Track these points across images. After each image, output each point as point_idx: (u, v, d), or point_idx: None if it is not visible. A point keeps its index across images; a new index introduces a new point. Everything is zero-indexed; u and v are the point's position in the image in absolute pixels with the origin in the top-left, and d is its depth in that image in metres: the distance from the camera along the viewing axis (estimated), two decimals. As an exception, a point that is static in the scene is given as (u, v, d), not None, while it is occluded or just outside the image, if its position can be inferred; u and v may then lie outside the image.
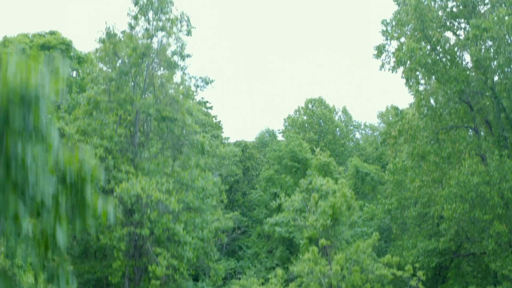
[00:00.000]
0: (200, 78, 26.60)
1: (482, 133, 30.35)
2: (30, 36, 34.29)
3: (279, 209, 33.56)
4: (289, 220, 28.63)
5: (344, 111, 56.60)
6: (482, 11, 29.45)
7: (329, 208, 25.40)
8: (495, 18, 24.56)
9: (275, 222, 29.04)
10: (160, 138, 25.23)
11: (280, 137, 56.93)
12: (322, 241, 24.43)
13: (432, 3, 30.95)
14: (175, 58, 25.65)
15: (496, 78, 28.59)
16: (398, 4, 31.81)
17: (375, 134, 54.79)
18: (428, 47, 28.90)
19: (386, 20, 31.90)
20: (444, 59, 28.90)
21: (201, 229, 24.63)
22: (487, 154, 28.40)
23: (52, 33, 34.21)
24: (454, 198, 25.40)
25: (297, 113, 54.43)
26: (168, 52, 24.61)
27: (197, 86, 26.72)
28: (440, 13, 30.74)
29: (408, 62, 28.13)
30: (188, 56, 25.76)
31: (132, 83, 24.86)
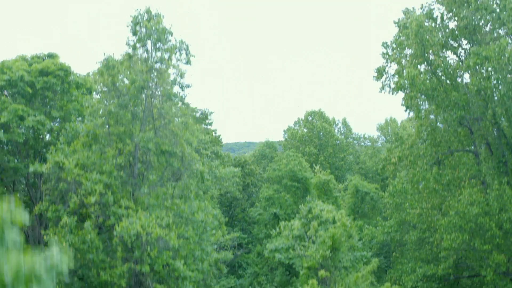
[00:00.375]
0: (200, 111, 26.55)
1: (482, 156, 30.37)
2: (29, 58, 34.19)
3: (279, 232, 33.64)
4: (288, 246, 28.68)
5: (344, 123, 56.65)
6: (484, 30, 29.37)
7: (328, 238, 25.45)
8: (496, 49, 24.54)
9: (275, 248, 29.11)
10: (159, 171, 25.18)
11: (279, 148, 56.97)
12: (322, 272, 24.52)
13: (433, 24, 30.90)
14: (175, 88, 25.58)
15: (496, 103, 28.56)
16: (399, 26, 31.78)
17: (375, 145, 54.86)
18: (429, 73, 28.90)
19: (386, 42, 31.91)
20: (444, 83, 28.89)
21: (201, 260, 24.66)
22: (487, 178, 28.45)
23: (50, 55, 34.07)
24: (453, 228, 25.48)
25: (297, 124, 54.44)
26: (167, 84, 24.52)
27: (197, 118, 26.66)
28: (440, 34, 30.73)
29: (408, 89, 28.18)
30: (188, 86, 25.71)
31: (131, 115, 24.78)
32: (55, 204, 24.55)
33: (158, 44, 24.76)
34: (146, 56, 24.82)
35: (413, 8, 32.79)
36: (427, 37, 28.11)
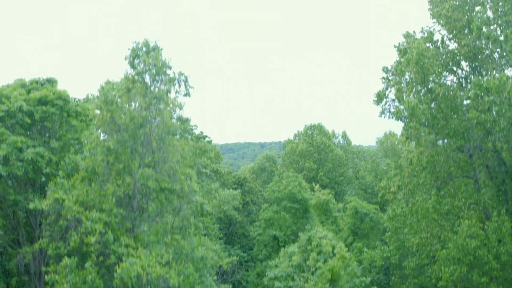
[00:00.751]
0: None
1: (481, 180, 30.40)
2: (27, 82, 34.15)
3: (277, 253, 33.72)
4: (288, 274, 28.80)
5: (344, 136, 56.70)
6: (485, 56, 29.36)
7: (328, 271, 25.57)
8: (496, 82, 24.54)
9: (274, 277, 29.23)
10: (159, 204, 25.20)
11: (279, 160, 57.01)
12: (321, 305, 24.66)
13: (433, 47, 30.83)
14: (174, 120, 25.57)
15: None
16: (399, 51, 31.79)
17: (375, 158, 54.95)
18: (429, 100, 28.91)
19: (387, 67, 31.94)
20: (444, 109, 28.90)
21: (201, 295, 24.75)
22: (487, 206, 28.52)
23: (49, 81, 34.06)
24: (452, 260, 25.61)
25: (296, 137, 54.48)
26: (166, 119, 24.51)
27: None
28: (441, 58, 30.73)
29: (408, 118, 28.20)
30: (187, 120, 25.74)
31: (130, 151, 24.79)
32: (55, 241, 24.63)
33: (157, 78, 24.74)
34: (145, 91, 24.81)
35: (414, 32, 32.78)
36: (428, 65, 28.14)
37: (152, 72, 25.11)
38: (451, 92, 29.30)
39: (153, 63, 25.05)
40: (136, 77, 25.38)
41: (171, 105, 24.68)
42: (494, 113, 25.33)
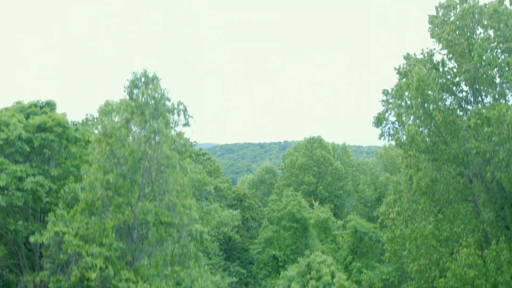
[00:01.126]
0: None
1: (480, 202, 30.47)
2: (26, 105, 34.17)
3: (277, 272, 33.90)
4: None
5: (343, 148, 56.80)
6: (486, 82, 29.34)
7: (327, 301, 25.72)
8: (496, 113, 24.58)
9: (274, 302, 29.39)
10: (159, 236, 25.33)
11: (278, 172, 57.08)
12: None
13: (434, 72, 30.81)
14: (174, 150, 25.65)
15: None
16: (400, 74, 31.82)
17: (374, 170, 55.06)
18: (428, 124, 28.96)
19: (387, 90, 31.98)
20: (444, 134, 28.94)
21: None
22: (487, 231, 28.61)
23: (48, 104, 34.12)
24: (451, 289, 25.74)
25: (296, 150, 54.59)
26: (165, 152, 24.59)
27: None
28: (441, 81, 30.78)
29: (408, 146, 28.26)
30: (187, 151, 25.79)
31: (130, 182, 24.87)
32: (56, 274, 24.73)
33: (155, 113, 24.80)
34: (144, 124, 24.87)
35: (414, 54, 32.79)
36: (428, 91, 28.19)
37: (151, 104, 25.20)
38: (451, 117, 29.34)
39: (152, 95, 25.16)
40: (135, 109, 25.46)
41: (170, 139, 24.80)
42: (494, 143, 25.37)
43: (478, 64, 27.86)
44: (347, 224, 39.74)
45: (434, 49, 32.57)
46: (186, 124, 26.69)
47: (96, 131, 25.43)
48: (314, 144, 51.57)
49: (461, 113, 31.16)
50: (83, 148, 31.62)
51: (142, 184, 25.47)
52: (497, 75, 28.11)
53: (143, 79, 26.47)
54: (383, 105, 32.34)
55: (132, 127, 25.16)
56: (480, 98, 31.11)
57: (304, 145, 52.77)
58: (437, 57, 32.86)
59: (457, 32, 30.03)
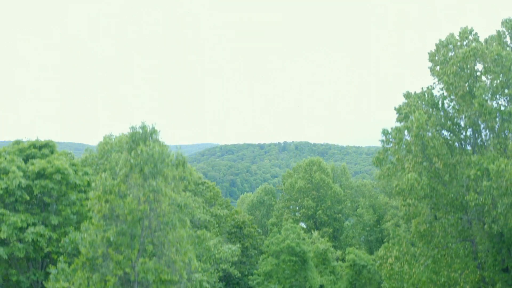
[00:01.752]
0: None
1: (478, 241, 30.64)
2: (25, 145, 34.21)
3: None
4: None
5: (343, 170, 56.99)
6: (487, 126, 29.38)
7: None
8: (495, 168, 24.69)
9: None
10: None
11: (277, 191, 57.20)
12: None
13: (434, 114, 30.84)
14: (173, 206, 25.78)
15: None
16: (400, 113, 31.91)
17: (373, 192, 55.28)
18: (428, 170, 29.10)
19: (387, 129, 32.09)
20: (444, 177, 29.06)
21: None
22: (485, 275, 28.82)
23: (47, 145, 34.20)
24: None
25: (296, 172, 54.77)
26: (165, 210, 24.74)
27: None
28: (442, 119, 30.87)
29: (407, 193, 28.41)
30: (186, 206, 25.92)
31: (130, 238, 25.03)
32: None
33: (154, 171, 24.90)
34: (143, 182, 24.97)
35: (414, 92, 32.82)
36: (428, 138, 28.29)
37: (150, 163, 25.26)
38: (451, 160, 29.44)
39: (150, 153, 25.23)
40: (134, 166, 25.56)
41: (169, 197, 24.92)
42: (492, 196, 25.50)
43: (478, 112, 27.94)
44: (346, 257, 40.06)
45: (434, 83, 32.67)
46: (185, 178, 26.85)
47: (94, 184, 25.45)
48: (314, 167, 51.81)
49: (461, 151, 31.29)
50: (82, 192, 31.79)
51: (142, 239, 25.64)
52: (498, 124, 28.11)
53: (141, 131, 26.62)
54: (382, 144, 32.51)
55: (132, 184, 25.25)
56: (480, 140, 31.11)
57: (303, 167, 52.96)
58: (437, 91, 32.94)
59: (457, 75, 29.94)
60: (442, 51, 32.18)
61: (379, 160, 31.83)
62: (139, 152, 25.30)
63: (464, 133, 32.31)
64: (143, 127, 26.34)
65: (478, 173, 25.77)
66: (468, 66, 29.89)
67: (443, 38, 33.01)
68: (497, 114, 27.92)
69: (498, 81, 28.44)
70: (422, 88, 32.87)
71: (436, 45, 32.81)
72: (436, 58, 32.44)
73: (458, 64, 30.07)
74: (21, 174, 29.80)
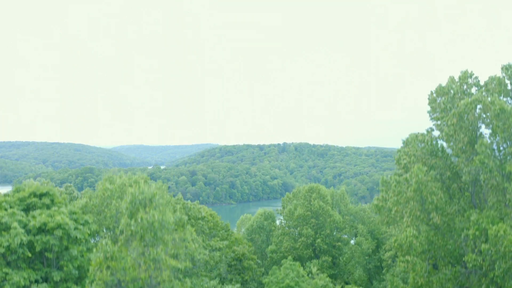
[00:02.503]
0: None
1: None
2: (26, 194, 34.42)
3: None
4: None
5: (342, 195, 57.22)
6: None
7: None
8: (493, 233, 24.97)
9: None
10: None
11: (277, 214, 57.45)
12: None
13: (433, 173, 30.89)
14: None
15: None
16: (399, 164, 32.12)
17: (372, 216, 55.61)
18: (426, 222, 29.37)
19: (387, 180, 32.34)
20: (443, 228, 29.34)
21: None
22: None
23: (48, 194, 34.42)
24: None
25: (295, 197, 55.05)
26: (165, 276, 25.06)
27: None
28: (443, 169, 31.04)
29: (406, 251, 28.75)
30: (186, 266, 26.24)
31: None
32: None
33: (154, 238, 25.18)
34: (143, 249, 25.25)
35: (416, 135, 32.96)
36: (427, 194, 28.51)
37: (150, 230, 25.52)
38: (450, 216, 29.70)
39: (150, 220, 25.49)
40: (135, 233, 25.82)
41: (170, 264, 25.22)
42: (490, 257, 25.79)
43: (480, 169, 28.10)
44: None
45: (433, 130, 32.83)
46: (186, 240, 27.18)
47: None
48: (313, 194, 52.11)
49: (459, 196, 31.49)
50: (83, 245, 32.08)
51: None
52: (497, 180, 28.13)
53: (141, 197, 26.85)
54: (382, 192, 32.81)
55: (132, 250, 25.53)
56: (480, 194, 31.12)
57: (303, 194, 53.25)
58: (436, 132, 32.98)
59: (457, 126, 29.80)
60: (442, 99, 32.21)
61: (378, 208, 32.18)
62: (139, 220, 25.61)
63: (463, 187, 32.31)
64: (142, 193, 26.57)
65: (477, 233, 26.09)
66: (469, 117, 29.73)
67: (443, 84, 32.90)
68: (498, 172, 27.98)
69: (500, 138, 28.35)
70: (422, 134, 32.91)
71: (436, 89, 32.87)
72: (436, 105, 32.46)
73: (459, 116, 29.89)
74: (23, 230, 30.07)
